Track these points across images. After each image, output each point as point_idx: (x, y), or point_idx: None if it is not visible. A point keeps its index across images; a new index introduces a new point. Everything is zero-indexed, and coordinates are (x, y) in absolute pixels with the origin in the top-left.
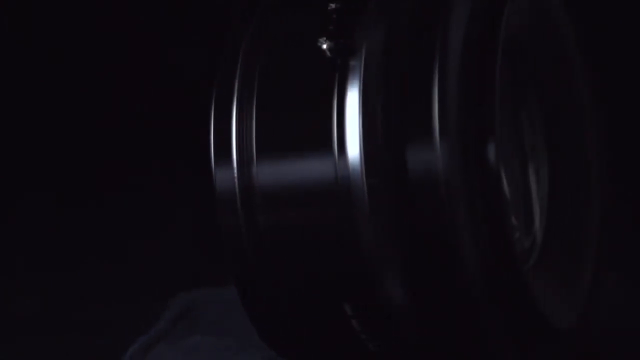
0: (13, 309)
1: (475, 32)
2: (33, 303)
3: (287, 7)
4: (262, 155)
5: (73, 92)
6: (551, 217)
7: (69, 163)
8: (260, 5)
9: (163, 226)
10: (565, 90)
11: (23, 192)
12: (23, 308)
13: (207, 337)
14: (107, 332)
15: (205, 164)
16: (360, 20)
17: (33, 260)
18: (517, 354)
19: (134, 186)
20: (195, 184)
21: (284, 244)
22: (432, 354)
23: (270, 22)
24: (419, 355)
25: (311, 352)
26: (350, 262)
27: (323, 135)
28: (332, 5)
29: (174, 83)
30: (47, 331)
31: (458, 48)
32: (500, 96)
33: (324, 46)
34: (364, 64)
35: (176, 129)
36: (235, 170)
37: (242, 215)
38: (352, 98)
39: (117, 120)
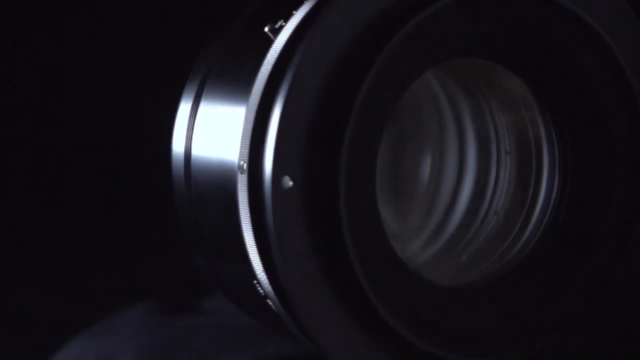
0: (13, 308)
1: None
2: (33, 303)
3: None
4: (195, 153)
5: (75, 98)
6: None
7: (69, 163)
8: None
9: (168, 226)
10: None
11: (23, 192)
12: (23, 308)
13: None
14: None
15: None
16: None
17: (33, 259)
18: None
19: (136, 185)
20: None
21: (209, 232)
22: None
23: (246, 19)
24: None
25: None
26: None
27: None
28: None
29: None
30: (47, 331)
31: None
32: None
33: (266, 29)
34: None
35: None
36: (183, 167)
37: (187, 207)
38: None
39: (119, 124)
